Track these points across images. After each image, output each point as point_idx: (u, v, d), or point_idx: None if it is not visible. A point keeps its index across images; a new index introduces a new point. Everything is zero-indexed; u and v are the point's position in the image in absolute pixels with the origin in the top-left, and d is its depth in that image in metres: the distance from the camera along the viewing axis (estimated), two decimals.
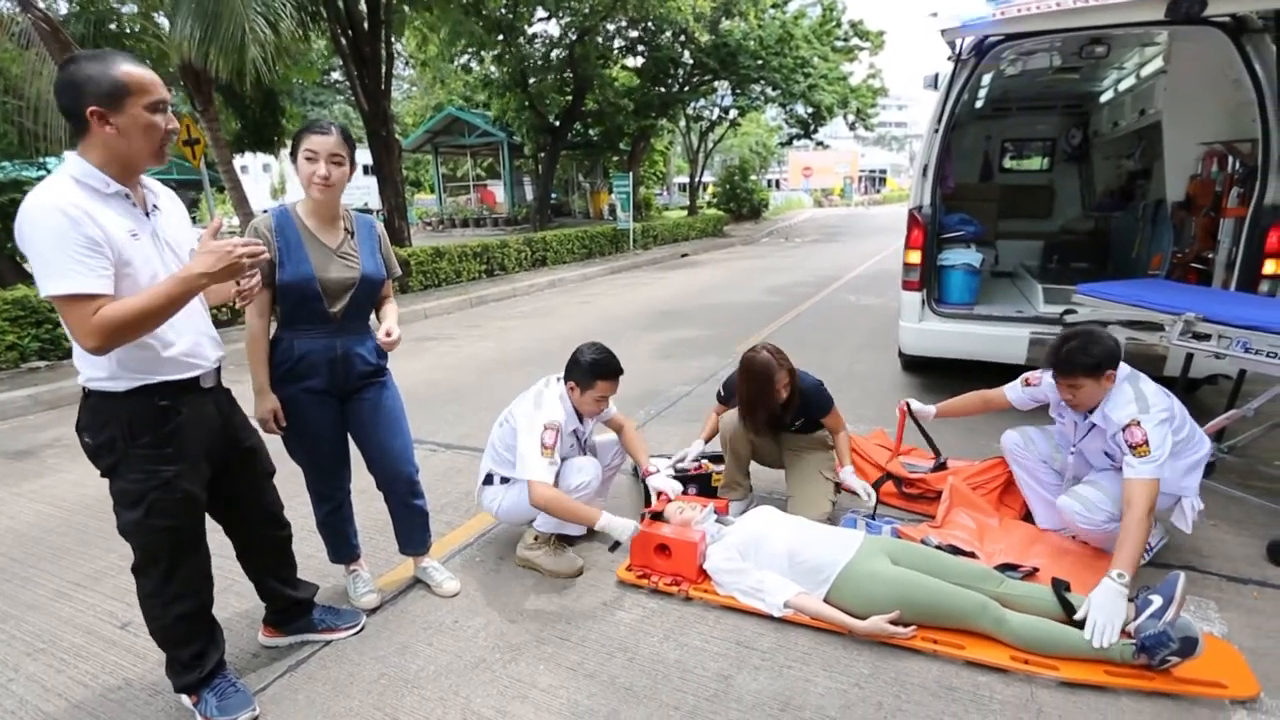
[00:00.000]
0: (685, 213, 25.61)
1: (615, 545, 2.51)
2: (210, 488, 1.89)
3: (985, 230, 5.55)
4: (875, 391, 4.71)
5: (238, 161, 11.58)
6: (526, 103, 18.67)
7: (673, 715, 1.90)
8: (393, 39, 12.17)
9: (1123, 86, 5.79)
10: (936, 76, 4.60)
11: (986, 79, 5.62)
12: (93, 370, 1.62)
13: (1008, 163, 7.53)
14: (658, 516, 2.64)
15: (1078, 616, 2.03)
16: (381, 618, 2.40)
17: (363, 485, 2.51)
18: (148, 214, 1.68)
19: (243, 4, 7.52)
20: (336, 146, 2.05)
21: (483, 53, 17.82)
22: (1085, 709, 1.86)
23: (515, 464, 2.53)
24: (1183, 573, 2.05)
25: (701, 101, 23.02)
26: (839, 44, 20.36)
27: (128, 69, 1.53)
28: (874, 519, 2.86)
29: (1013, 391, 2.81)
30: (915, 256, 4.29)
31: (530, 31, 17.89)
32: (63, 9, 9.97)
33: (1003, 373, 4.11)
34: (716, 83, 20.59)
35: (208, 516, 1.98)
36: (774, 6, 19.06)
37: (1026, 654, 2.02)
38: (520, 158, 23.64)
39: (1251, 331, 2.56)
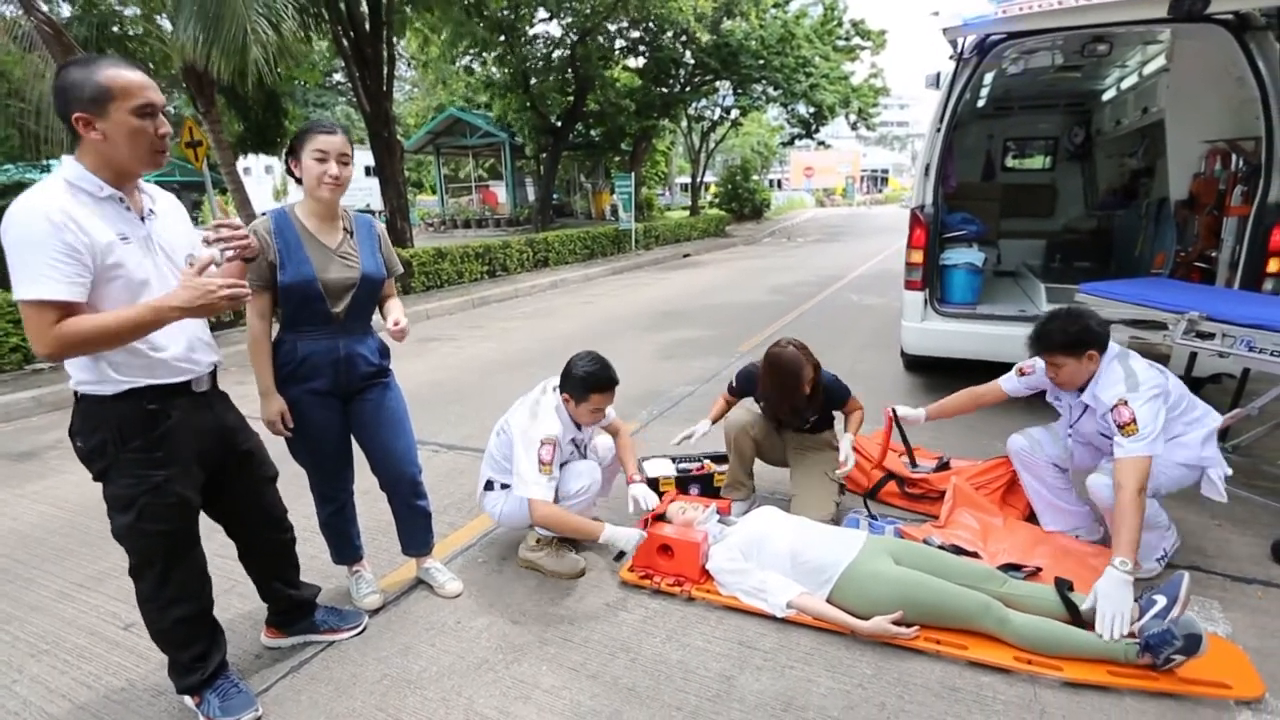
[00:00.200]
0: (687, 213, 25.61)
1: (620, 555, 2.51)
2: (208, 491, 1.88)
3: (988, 229, 5.54)
4: (878, 391, 4.70)
5: (240, 163, 11.61)
6: (528, 103, 18.70)
7: (675, 716, 1.89)
8: (394, 40, 12.19)
9: (1125, 85, 5.78)
10: (938, 75, 4.59)
11: (988, 78, 5.61)
12: (82, 374, 1.62)
13: (1010, 162, 7.51)
14: (660, 517, 2.64)
15: (1084, 608, 2.03)
16: (384, 618, 2.40)
17: (365, 486, 2.51)
18: (143, 218, 1.67)
19: (244, 5, 7.54)
20: (344, 146, 2.08)
21: (484, 54, 17.86)
22: (1089, 709, 1.85)
23: (513, 477, 2.51)
24: (1187, 573, 2.04)
25: (703, 101, 23.03)
26: (840, 43, 20.34)
27: (112, 73, 1.51)
28: (876, 519, 2.85)
29: (1008, 382, 2.80)
30: (917, 256, 4.29)
31: (531, 32, 17.92)
32: (65, 12, 9.99)
33: (1003, 373, 4.12)
34: (718, 83, 20.59)
35: (210, 518, 1.99)
36: (775, 6, 19.06)
37: (1030, 654, 2.01)
38: (522, 158, 23.67)
39: (1255, 330, 2.55)
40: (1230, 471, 2.40)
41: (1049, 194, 7.14)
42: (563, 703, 1.96)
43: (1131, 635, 1.95)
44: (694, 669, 2.08)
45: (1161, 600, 1.96)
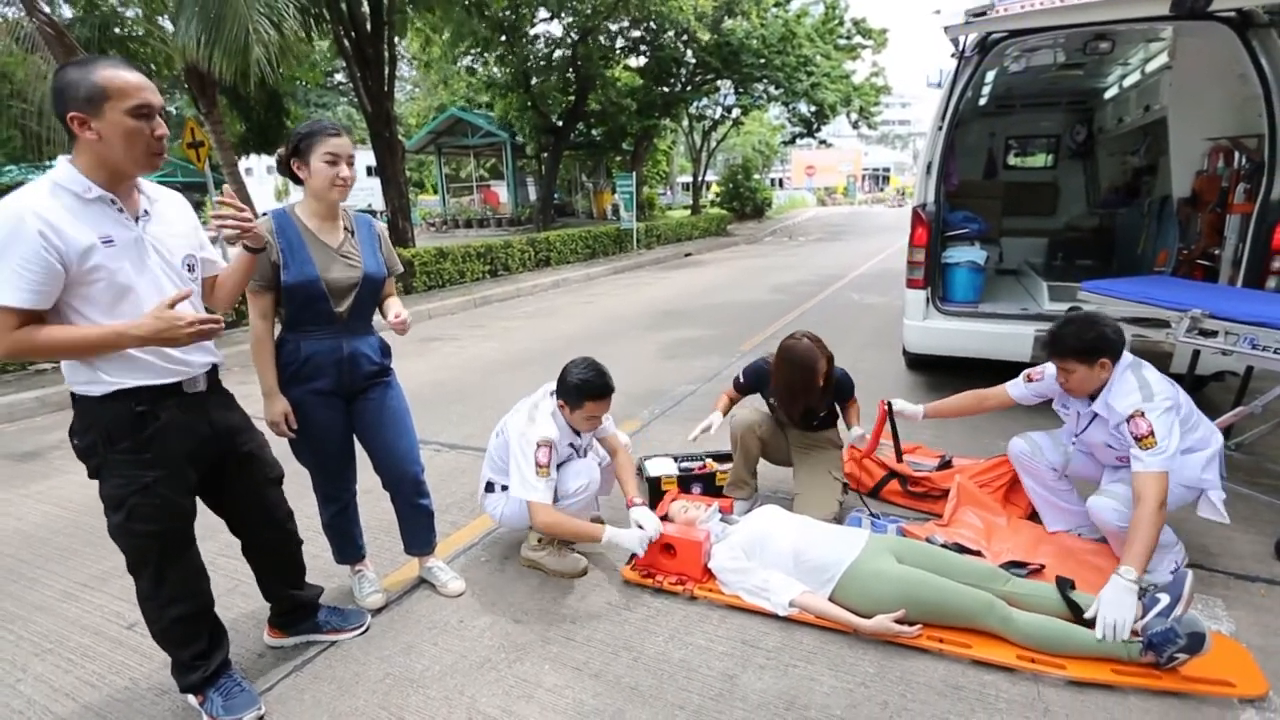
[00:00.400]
0: (688, 212, 25.60)
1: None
2: (207, 492, 1.89)
3: (989, 228, 5.53)
4: (880, 390, 4.67)
5: (242, 164, 11.63)
6: (529, 103, 18.71)
7: (678, 715, 1.89)
8: (395, 40, 12.20)
9: (1127, 82, 5.76)
10: (940, 74, 4.58)
11: (990, 76, 5.60)
12: (74, 374, 1.63)
13: (1012, 160, 7.49)
14: (663, 517, 2.63)
15: (1087, 615, 2.01)
16: (387, 618, 2.40)
17: (367, 485, 2.52)
18: (137, 219, 1.65)
19: (246, 5, 7.56)
20: (351, 148, 2.10)
21: (485, 54, 17.87)
22: (1093, 708, 1.85)
23: (510, 477, 2.50)
24: (1190, 571, 2.03)
25: (704, 101, 23.01)
26: (842, 42, 20.30)
27: (109, 73, 1.50)
28: (879, 518, 2.85)
29: (1015, 388, 2.74)
30: (919, 254, 4.28)
31: (532, 32, 17.92)
32: (67, 13, 10.02)
33: (1007, 371, 4.11)
34: (719, 82, 20.58)
35: (215, 515, 1.99)
36: (776, 5, 19.04)
37: (1033, 653, 2.01)
38: (523, 158, 23.68)
39: (1258, 328, 2.54)
40: (1225, 496, 2.37)
41: (1051, 192, 7.13)
42: (565, 702, 1.96)
43: (1135, 634, 1.95)
44: (697, 668, 2.08)
45: (1165, 599, 1.96)
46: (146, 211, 1.68)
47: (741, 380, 3.08)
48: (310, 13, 9.97)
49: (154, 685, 2.11)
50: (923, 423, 3.10)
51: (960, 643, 2.07)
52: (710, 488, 3.19)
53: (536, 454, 2.38)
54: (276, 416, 2.15)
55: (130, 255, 1.61)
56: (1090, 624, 2.00)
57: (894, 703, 1.90)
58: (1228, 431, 3.10)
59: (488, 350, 6.91)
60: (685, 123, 25.13)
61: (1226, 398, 3.28)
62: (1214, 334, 2.67)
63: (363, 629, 2.30)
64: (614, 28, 18.13)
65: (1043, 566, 2.40)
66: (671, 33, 17.65)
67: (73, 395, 1.66)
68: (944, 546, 2.46)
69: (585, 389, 2.46)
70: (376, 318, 2.32)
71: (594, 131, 21.42)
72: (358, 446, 2.38)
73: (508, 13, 15.92)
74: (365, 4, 10.85)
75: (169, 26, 9.18)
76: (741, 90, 20.87)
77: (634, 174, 16.95)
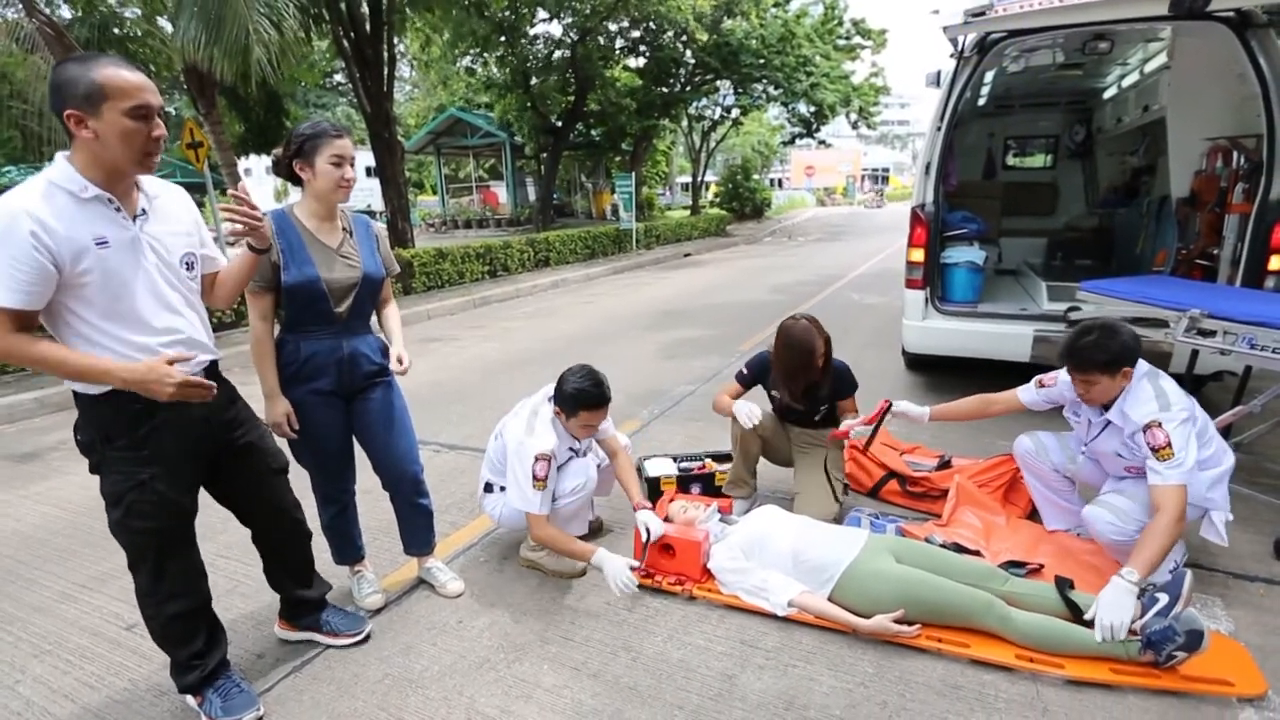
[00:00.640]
0: (688, 212, 25.61)
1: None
2: (213, 485, 1.90)
3: (989, 228, 5.53)
4: (879, 390, 4.67)
5: (241, 164, 11.63)
6: (528, 103, 18.71)
7: (677, 715, 1.89)
8: (395, 41, 12.20)
9: (1126, 82, 5.77)
10: (939, 74, 4.58)
11: (989, 76, 5.60)
12: None
13: (1011, 160, 7.50)
14: (663, 518, 2.63)
15: (1087, 617, 2.01)
16: (386, 618, 2.40)
17: (367, 486, 2.52)
18: (135, 218, 1.64)
19: (246, 6, 7.55)
20: (353, 149, 2.12)
21: (485, 54, 17.86)
22: (1091, 707, 1.85)
23: (507, 485, 2.51)
24: (1189, 570, 2.04)
25: (704, 101, 23.01)
26: (841, 42, 20.32)
27: (109, 72, 1.48)
28: (878, 518, 2.85)
29: (1026, 394, 2.65)
30: (918, 254, 4.28)
31: (532, 32, 17.91)
32: (66, 14, 10.01)
33: (1006, 371, 4.11)
34: (719, 82, 20.58)
35: (213, 516, 1.99)
36: (776, 5, 19.04)
37: (1032, 652, 2.01)
38: (522, 158, 23.68)
39: (1257, 327, 2.54)
40: (1231, 517, 2.33)
41: (1050, 192, 7.13)
42: (564, 702, 1.96)
43: (1134, 633, 1.95)
44: (695, 668, 2.08)
45: (1164, 598, 1.96)
46: (145, 210, 1.67)
47: (745, 373, 3.08)
48: (310, 13, 9.97)
49: (153, 686, 2.11)
50: (905, 419, 3.08)
51: (959, 642, 2.07)
52: (709, 488, 3.19)
53: (534, 467, 2.37)
54: (278, 417, 2.15)
55: (126, 256, 1.60)
56: (1090, 624, 2.00)
57: (893, 702, 1.90)
58: (1227, 431, 3.11)
59: (487, 350, 6.91)
60: (684, 123, 25.13)
61: (1225, 397, 3.28)
62: (1212, 333, 2.67)
63: (360, 637, 2.26)
64: (613, 28, 18.13)
65: (1041, 566, 2.39)
66: (671, 33, 17.65)
67: (74, 393, 1.67)
68: (943, 546, 2.45)
69: (581, 399, 2.45)
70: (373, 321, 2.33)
71: (593, 132, 21.43)
72: (357, 447, 2.38)
73: (507, 13, 15.92)
74: (365, 4, 10.85)
75: (168, 27, 9.18)
76: (741, 90, 20.86)
77: (633, 174, 16.94)
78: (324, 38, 12.13)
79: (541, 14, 16.74)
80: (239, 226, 1.74)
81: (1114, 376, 2.22)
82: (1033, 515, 2.88)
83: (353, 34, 10.89)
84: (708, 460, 3.32)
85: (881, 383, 4.91)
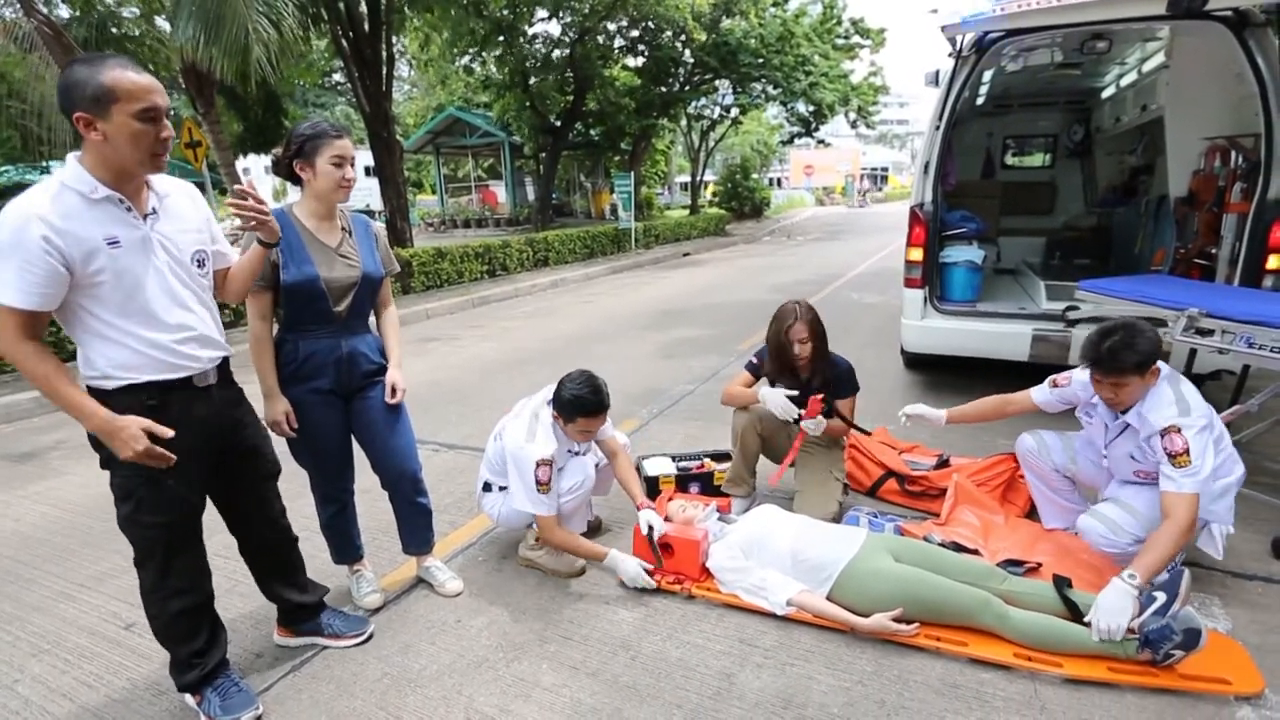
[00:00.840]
0: (687, 212, 25.59)
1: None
2: (211, 485, 1.90)
3: (987, 227, 5.53)
4: (878, 389, 4.70)
5: (239, 163, 11.63)
6: (527, 103, 18.69)
7: (675, 714, 1.90)
8: (394, 40, 12.19)
9: (1125, 82, 5.77)
10: (937, 73, 4.58)
11: (987, 75, 5.60)
12: (87, 369, 1.66)
13: (1009, 159, 7.50)
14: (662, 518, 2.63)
15: (1087, 620, 1.99)
16: (385, 617, 2.40)
17: (365, 485, 2.52)
18: (145, 217, 1.66)
19: (245, 5, 7.54)
20: (353, 149, 2.13)
21: (484, 53, 17.84)
22: (1089, 706, 1.85)
23: (510, 490, 2.51)
24: (1187, 569, 2.04)
25: (703, 100, 22.97)
26: (840, 42, 20.30)
27: (117, 74, 1.50)
28: (876, 516, 2.85)
29: (1039, 394, 2.62)
30: (917, 254, 4.28)
31: (531, 32, 17.90)
32: (64, 14, 10.00)
33: (1005, 370, 4.12)
34: (717, 81, 20.56)
35: (216, 509, 1.99)
36: (774, 5, 19.01)
37: (1030, 651, 2.01)
38: (521, 158, 23.65)
39: (1255, 327, 2.54)
40: (1232, 530, 2.32)
41: (1048, 191, 7.14)
42: (563, 701, 1.96)
43: (1131, 631, 1.95)
44: (694, 667, 2.08)
45: (1161, 597, 1.96)
46: (155, 209, 1.69)
47: (755, 362, 3.08)
48: (308, 12, 9.96)
49: (151, 685, 2.11)
50: (921, 422, 3.09)
51: (957, 641, 2.08)
52: (708, 487, 3.20)
53: (537, 472, 2.38)
54: (277, 416, 2.15)
55: (137, 254, 1.63)
56: (1088, 625, 2.00)
57: (891, 701, 1.90)
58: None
59: (486, 350, 6.91)
60: (683, 122, 25.12)
61: (1223, 396, 3.28)
62: (1211, 333, 2.67)
63: (363, 638, 2.27)
64: (612, 27, 18.11)
65: (1039, 565, 2.40)
66: (669, 32, 17.64)
67: (88, 388, 1.68)
68: (941, 545, 2.46)
69: (579, 406, 2.45)
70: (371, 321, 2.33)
71: (592, 131, 21.41)
72: (356, 446, 2.38)
73: (506, 12, 15.91)
74: (363, 4, 10.84)
75: (166, 27, 9.17)
76: (740, 90, 20.85)
77: (632, 174, 16.93)
78: (322, 37, 12.12)
79: (540, 13, 16.72)
80: (250, 221, 1.76)
81: (1144, 377, 2.16)
82: (1031, 514, 2.88)
83: (351, 33, 10.87)
84: (706, 459, 3.32)
85: (881, 382, 4.92)
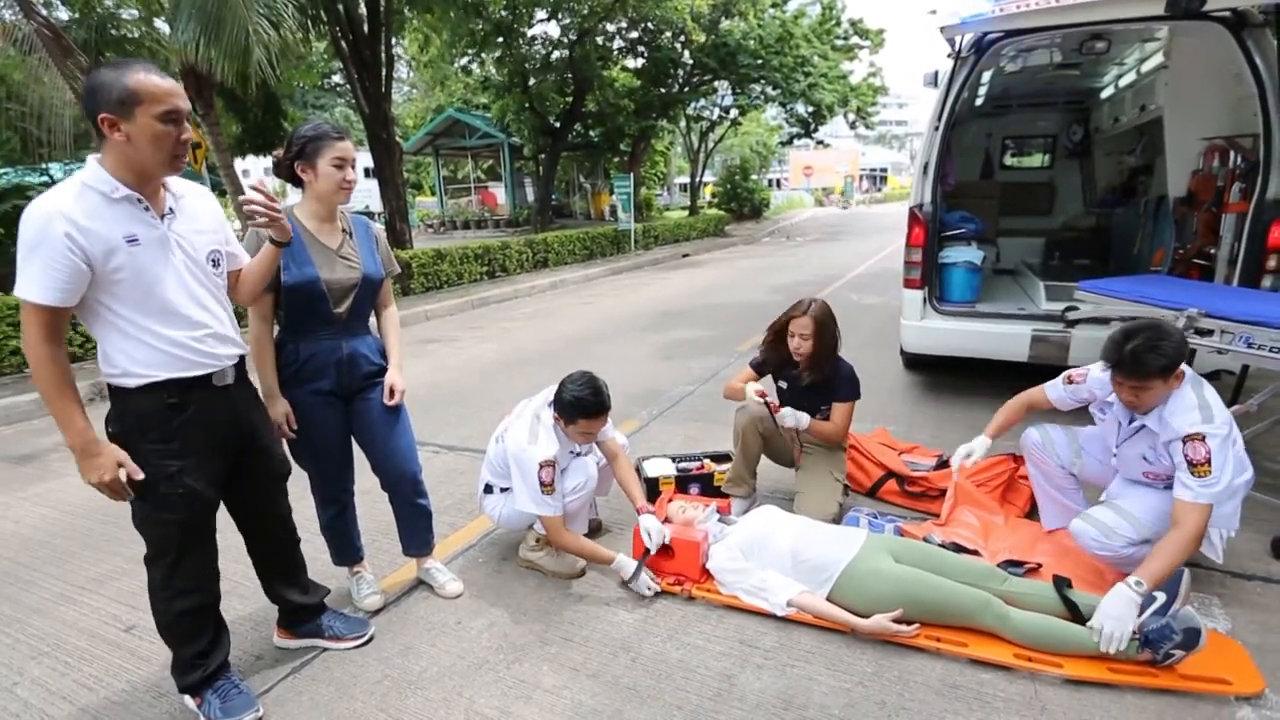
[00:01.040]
0: (686, 213, 25.59)
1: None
2: (225, 485, 1.92)
3: (986, 228, 5.53)
4: (878, 390, 4.70)
5: (239, 165, 11.62)
6: (527, 104, 18.69)
7: (676, 715, 1.90)
8: (393, 42, 12.18)
9: (1123, 82, 5.78)
10: (936, 74, 4.59)
11: (986, 76, 5.61)
12: (108, 367, 1.69)
13: (1008, 160, 7.50)
14: (662, 519, 2.63)
15: (1090, 625, 1.98)
16: (385, 619, 2.40)
17: (365, 487, 2.52)
18: (163, 217, 1.70)
19: (245, 7, 7.53)
20: (354, 151, 2.14)
21: (483, 54, 17.85)
22: (1090, 706, 1.85)
23: (514, 492, 2.51)
24: (1186, 569, 2.04)
25: (702, 101, 22.99)
26: (839, 43, 20.33)
27: (141, 77, 1.55)
28: (876, 517, 2.85)
29: (1054, 390, 2.57)
30: (916, 254, 4.28)
31: (530, 33, 17.91)
32: (63, 15, 10.00)
33: (1005, 371, 4.13)
34: (716, 83, 20.58)
35: (226, 509, 2.00)
36: (773, 6, 19.03)
37: (1030, 651, 2.01)
38: (521, 159, 23.66)
39: (1254, 327, 2.54)
40: (1234, 534, 2.29)
41: (1048, 192, 7.14)
42: (564, 702, 1.96)
43: (1132, 632, 1.95)
44: (695, 668, 2.08)
45: (1161, 596, 1.96)
46: (172, 209, 1.74)
47: (758, 358, 3.10)
48: (308, 14, 9.96)
49: (151, 687, 2.11)
50: (921, 422, 3.10)
51: (957, 642, 2.08)
52: (708, 488, 3.20)
53: (540, 474, 2.38)
54: (278, 418, 2.15)
55: (156, 253, 1.67)
56: (1089, 625, 2.00)
57: (891, 702, 1.90)
58: None
59: (486, 351, 6.91)
60: (683, 123, 25.13)
61: (1223, 397, 3.28)
62: (1210, 333, 2.67)
63: (364, 640, 2.27)
64: (611, 29, 18.12)
65: (1039, 566, 2.40)
66: (668, 34, 17.65)
67: (109, 386, 1.72)
68: (941, 546, 2.46)
69: (579, 407, 2.45)
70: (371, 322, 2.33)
71: (591, 132, 21.41)
72: (356, 448, 2.38)
73: (505, 13, 15.92)
74: (363, 5, 10.84)
75: (166, 29, 9.16)
76: (739, 91, 20.85)
77: (631, 175, 16.94)
78: (322, 39, 12.11)
79: (540, 14, 16.73)
80: (261, 219, 1.79)
81: (1168, 380, 2.09)
82: (1031, 514, 2.88)
83: (351, 35, 10.87)
84: (706, 460, 3.32)
85: (881, 383, 4.92)
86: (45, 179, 9.28)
